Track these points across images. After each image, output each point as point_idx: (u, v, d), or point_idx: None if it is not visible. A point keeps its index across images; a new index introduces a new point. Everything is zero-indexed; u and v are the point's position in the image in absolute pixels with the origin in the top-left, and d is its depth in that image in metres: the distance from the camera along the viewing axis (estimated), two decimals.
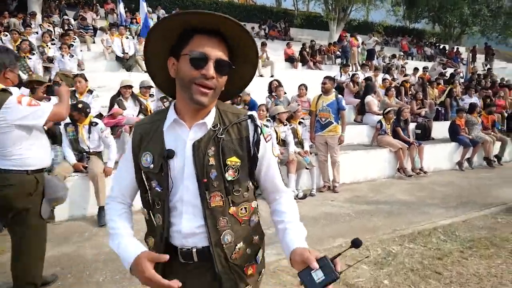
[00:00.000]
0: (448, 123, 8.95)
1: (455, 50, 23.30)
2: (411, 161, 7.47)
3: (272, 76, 11.76)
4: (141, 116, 6.01)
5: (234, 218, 1.24)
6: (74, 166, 4.69)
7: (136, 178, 1.31)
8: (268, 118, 6.19)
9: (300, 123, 6.41)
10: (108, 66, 10.63)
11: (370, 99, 8.52)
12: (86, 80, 6.04)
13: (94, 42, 12.68)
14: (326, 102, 6.23)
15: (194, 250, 1.23)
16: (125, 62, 10.22)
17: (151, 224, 1.31)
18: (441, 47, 24.87)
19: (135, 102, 6.05)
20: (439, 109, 10.06)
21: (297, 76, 11.78)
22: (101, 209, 4.54)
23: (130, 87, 6.00)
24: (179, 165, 1.20)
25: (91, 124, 4.76)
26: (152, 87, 6.32)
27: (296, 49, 15.43)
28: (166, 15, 18.52)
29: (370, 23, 26.56)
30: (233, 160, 1.21)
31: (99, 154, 4.96)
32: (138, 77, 8.77)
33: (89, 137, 4.77)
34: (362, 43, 16.38)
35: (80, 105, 4.68)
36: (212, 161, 1.19)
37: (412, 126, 8.57)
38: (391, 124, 7.62)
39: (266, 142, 1.28)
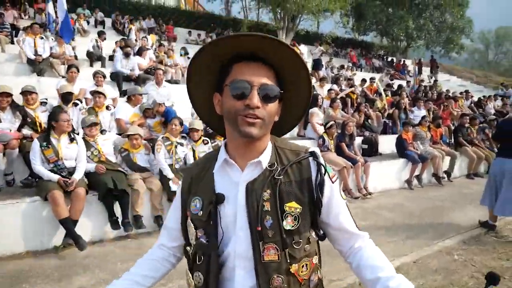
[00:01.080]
0: (396, 136, 8.34)
1: (402, 62, 23.58)
2: (357, 181, 6.68)
3: None
4: (25, 131, 4.75)
5: (295, 277, 1.04)
6: None
7: (182, 227, 1.17)
8: (184, 135, 5.12)
9: None
10: (17, 70, 9.09)
11: (314, 111, 7.71)
12: None
13: (12, 43, 11.10)
14: None
15: None
16: (36, 65, 8.73)
17: (188, 285, 1.13)
18: (389, 59, 25.16)
19: (15, 114, 4.75)
20: (387, 122, 9.50)
21: None
22: None
23: (8, 95, 4.70)
24: (230, 212, 1.05)
25: None
26: (36, 93, 5.01)
27: None
28: (105, 18, 17.30)
29: (320, 34, 26.40)
30: (292, 206, 1.04)
31: None
32: (49, 83, 7.50)
33: None
34: (310, 51, 15.85)
35: None
36: (267, 206, 1.02)
37: (358, 140, 7.86)
38: (334, 139, 6.81)
39: (333, 183, 1.10)
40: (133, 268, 1.21)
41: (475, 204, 6.17)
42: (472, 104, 13.82)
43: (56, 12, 11.40)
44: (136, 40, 11.94)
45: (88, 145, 4.54)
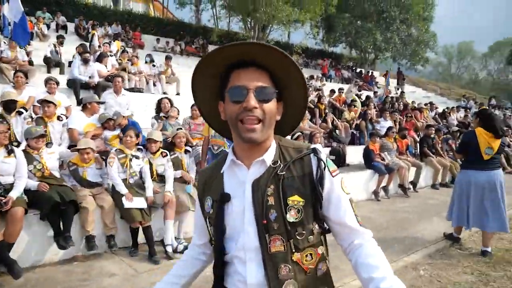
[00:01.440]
0: (363, 147, 8.29)
1: (370, 74, 24.03)
2: None
3: (178, 94, 10.44)
4: None
5: (299, 266, 1.11)
6: None
7: (205, 224, 1.26)
8: (139, 147, 4.79)
9: (186, 151, 5.10)
10: None
11: None
12: None
13: None
14: None
15: None
16: None
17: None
18: (357, 70, 25.59)
19: None
20: (354, 132, 9.47)
21: None
22: None
23: None
24: (239, 209, 1.12)
25: None
26: None
27: None
28: (67, 22, 16.63)
29: (291, 44, 26.57)
30: (295, 199, 1.10)
31: None
32: None
33: None
34: None
35: None
36: (271, 200, 1.09)
37: (326, 151, 7.74)
38: None
39: (333, 177, 1.15)
40: (170, 271, 1.34)
41: (440, 216, 6.15)
42: (436, 115, 14.12)
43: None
44: (99, 46, 11.45)
45: (30, 159, 4.13)
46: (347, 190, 1.18)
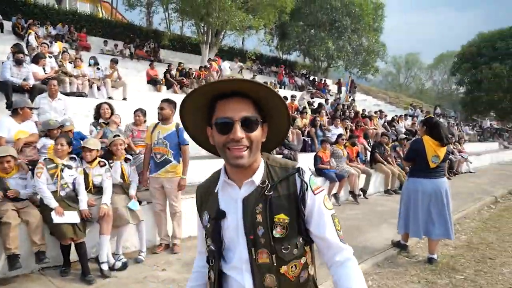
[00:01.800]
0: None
1: (323, 82, 24.49)
2: None
3: (124, 99, 9.92)
4: None
5: (285, 276, 1.22)
6: None
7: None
8: (73, 156, 4.38)
9: (126, 160, 4.74)
10: None
11: None
12: None
13: None
14: (163, 134, 4.71)
15: None
16: None
17: (209, 280, 1.34)
18: (311, 78, 26.01)
19: None
20: (306, 139, 9.45)
21: (159, 101, 10.09)
22: None
23: None
24: (233, 224, 1.23)
25: None
26: None
27: (161, 70, 13.87)
28: (3, 21, 15.40)
29: (245, 51, 26.53)
30: (281, 217, 1.20)
31: None
32: None
33: None
34: (230, 67, 15.64)
35: None
36: (259, 218, 1.20)
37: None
38: None
39: (315, 195, 1.24)
40: (188, 283, 1.48)
41: (389, 222, 6.20)
42: (386, 123, 14.56)
43: None
44: (37, 47, 10.65)
45: None
46: (329, 206, 1.27)
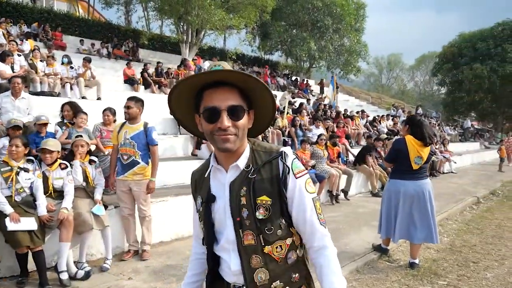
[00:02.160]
0: None
1: (305, 82, 24.39)
2: None
3: (99, 98, 9.55)
4: None
5: (270, 256, 1.26)
6: None
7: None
8: (30, 158, 4.05)
9: (91, 161, 4.43)
10: None
11: None
12: None
13: None
14: (130, 134, 4.43)
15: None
16: None
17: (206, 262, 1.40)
18: (293, 78, 25.87)
19: None
20: (286, 140, 9.25)
21: None
22: None
23: None
24: (222, 207, 1.29)
25: None
26: None
27: (139, 70, 13.49)
28: None
29: (226, 50, 26.23)
30: (263, 199, 1.25)
31: None
32: None
33: None
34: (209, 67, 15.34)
35: None
36: (244, 200, 1.25)
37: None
38: None
39: (297, 178, 1.27)
40: (187, 272, 1.53)
41: (369, 225, 6.04)
42: (367, 123, 14.51)
43: None
44: (6, 45, 10.16)
45: None
46: (311, 189, 1.30)
